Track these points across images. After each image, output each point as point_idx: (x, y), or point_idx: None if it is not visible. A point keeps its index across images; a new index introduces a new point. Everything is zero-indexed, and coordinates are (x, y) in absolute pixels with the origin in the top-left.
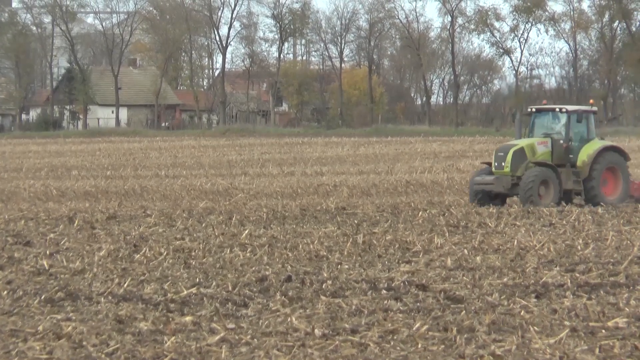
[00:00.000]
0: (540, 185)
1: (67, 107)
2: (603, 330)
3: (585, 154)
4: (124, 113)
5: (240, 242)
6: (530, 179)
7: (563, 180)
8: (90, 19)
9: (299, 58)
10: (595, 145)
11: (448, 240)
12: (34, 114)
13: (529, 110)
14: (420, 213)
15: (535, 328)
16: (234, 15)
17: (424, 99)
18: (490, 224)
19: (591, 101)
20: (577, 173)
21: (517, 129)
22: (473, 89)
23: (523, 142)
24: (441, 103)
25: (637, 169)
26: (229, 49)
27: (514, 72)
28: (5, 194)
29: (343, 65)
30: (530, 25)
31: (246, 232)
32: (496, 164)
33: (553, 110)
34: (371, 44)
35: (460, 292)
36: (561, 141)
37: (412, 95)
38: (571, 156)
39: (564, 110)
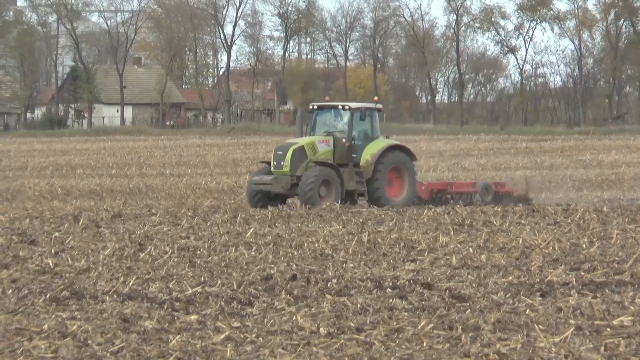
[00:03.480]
0: (321, 185)
1: (72, 105)
2: (608, 329)
3: (369, 153)
4: (128, 112)
5: (246, 240)
6: (310, 179)
7: (345, 181)
8: (95, 18)
9: (304, 56)
10: (379, 144)
11: (453, 239)
12: (39, 112)
13: (311, 107)
14: (425, 211)
15: (541, 326)
16: (239, 14)
17: (429, 97)
18: (495, 223)
19: (375, 98)
20: (360, 173)
21: (298, 126)
22: (478, 88)
23: (303, 141)
24: (446, 101)
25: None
26: (234, 47)
27: (519, 70)
28: (10, 193)
29: (348, 63)
30: (535, 23)
31: (251, 230)
32: (275, 164)
33: (335, 107)
34: (376, 43)
35: (465, 291)
36: (344, 140)
37: (417, 93)
38: (354, 155)
39: (346, 107)
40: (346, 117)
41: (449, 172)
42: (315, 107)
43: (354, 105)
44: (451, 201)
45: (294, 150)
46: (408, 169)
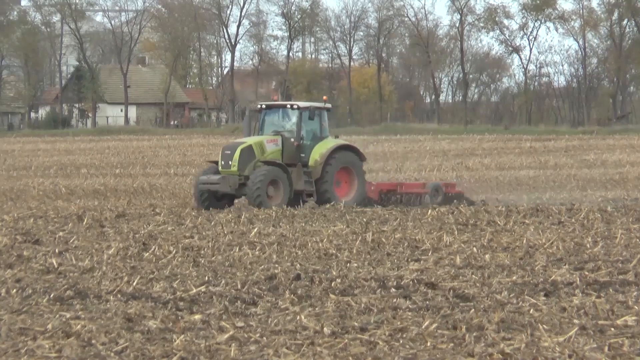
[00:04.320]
0: (269, 185)
1: (76, 105)
2: (612, 329)
3: (318, 153)
4: (132, 111)
5: (250, 240)
6: (258, 178)
7: (294, 181)
8: (99, 17)
9: (308, 56)
10: (328, 144)
11: (457, 239)
12: (43, 112)
13: (259, 106)
14: (429, 211)
15: (544, 326)
16: (243, 13)
17: (433, 97)
18: (499, 222)
19: (325, 97)
20: (309, 173)
21: (246, 126)
22: (482, 87)
23: (251, 140)
24: (450, 101)
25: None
26: (238, 47)
27: (523, 70)
28: (15, 192)
29: (352, 63)
30: (539, 23)
31: (255, 230)
32: (223, 163)
33: (284, 106)
34: (380, 42)
35: (469, 291)
36: (292, 139)
37: (421, 93)
38: (303, 155)
39: (295, 106)
40: (295, 116)
41: (452, 172)
42: (264, 106)
43: (302, 104)
44: (400, 202)
45: (241, 149)
46: (357, 169)
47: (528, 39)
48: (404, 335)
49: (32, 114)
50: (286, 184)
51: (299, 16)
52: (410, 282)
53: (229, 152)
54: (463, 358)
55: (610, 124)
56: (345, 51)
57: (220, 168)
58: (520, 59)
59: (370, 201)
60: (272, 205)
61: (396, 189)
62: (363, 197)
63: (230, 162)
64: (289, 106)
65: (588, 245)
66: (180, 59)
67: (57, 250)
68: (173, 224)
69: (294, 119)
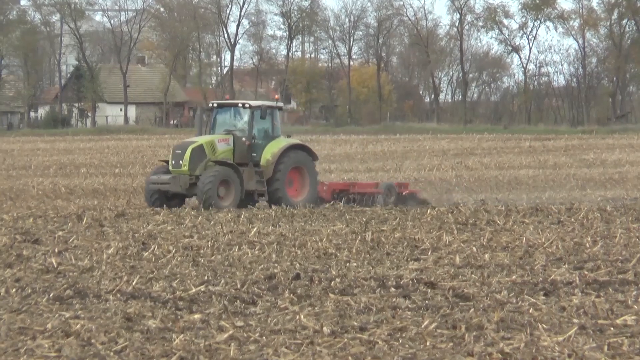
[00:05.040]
0: (220, 185)
1: (76, 104)
2: (611, 328)
3: (270, 152)
4: (132, 111)
5: (249, 239)
6: (208, 178)
7: (245, 180)
8: (98, 17)
9: (308, 55)
10: (280, 143)
11: (457, 238)
12: (42, 111)
13: (210, 105)
14: (428, 210)
15: (544, 326)
16: (242, 13)
17: (433, 96)
18: (498, 222)
19: (276, 96)
20: (260, 173)
21: (198, 125)
22: (481, 87)
23: (203, 139)
24: (450, 100)
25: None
26: (238, 46)
27: (523, 69)
28: (14, 192)
29: (351, 62)
30: (539, 22)
31: (255, 229)
32: (174, 162)
33: (235, 105)
34: (379, 42)
35: (469, 290)
36: (243, 138)
37: (421, 92)
38: (254, 155)
39: (246, 105)
40: (246, 115)
41: (452, 171)
42: (215, 105)
43: (254, 103)
44: (353, 202)
45: (192, 149)
46: (309, 168)
47: (527, 39)
48: (404, 335)
49: (32, 114)
50: (237, 184)
51: (298, 15)
52: (410, 282)
53: (180, 151)
54: (462, 357)
55: (609, 123)
56: (345, 50)
57: (170, 168)
58: (520, 58)
59: (322, 201)
60: (222, 206)
61: (349, 189)
62: (315, 197)
63: (181, 162)
64: (240, 105)
65: (587, 245)
66: (179, 59)
67: (56, 250)
68: (172, 224)
69: (246, 118)
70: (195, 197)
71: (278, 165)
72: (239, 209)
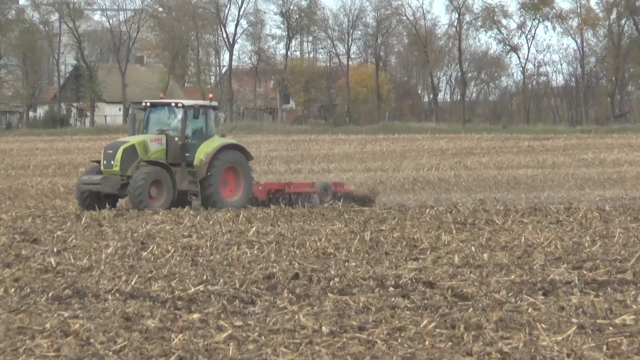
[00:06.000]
0: (152, 185)
1: (74, 104)
2: (610, 328)
3: (203, 152)
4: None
5: (248, 239)
6: (140, 178)
7: (178, 181)
8: (97, 16)
9: (306, 55)
10: (214, 143)
11: (455, 238)
12: (41, 111)
13: (143, 104)
14: (427, 210)
15: (543, 325)
16: (241, 13)
17: (431, 96)
18: (497, 221)
19: (210, 95)
20: (193, 173)
21: (131, 124)
22: (480, 86)
23: (135, 139)
24: (448, 100)
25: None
26: (236, 46)
27: (521, 69)
28: (13, 192)
29: (350, 62)
30: (537, 22)
31: (253, 229)
32: (105, 163)
33: (169, 104)
34: (378, 41)
35: (468, 290)
36: (176, 138)
37: (419, 92)
38: (187, 154)
39: (179, 105)
40: (179, 114)
41: (451, 171)
42: (148, 104)
43: (187, 102)
44: (289, 202)
45: (124, 149)
46: (243, 168)
47: (526, 38)
48: (402, 335)
49: (30, 113)
50: (169, 184)
51: (297, 15)
52: (409, 281)
53: (111, 151)
54: (461, 357)
55: (608, 123)
56: (344, 50)
57: (102, 168)
58: (519, 58)
59: (257, 201)
60: (154, 206)
61: (284, 189)
62: (250, 197)
63: (112, 162)
64: (173, 104)
65: (586, 244)
66: (178, 58)
67: (55, 250)
68: (171, 223)
69: (179, 118)
70: (127, 198)
71: (212, 166)
72: (169, 209)
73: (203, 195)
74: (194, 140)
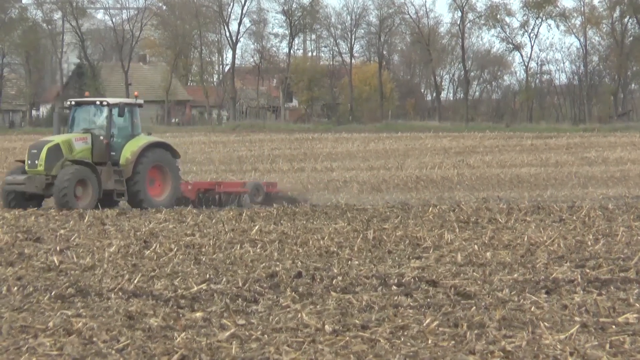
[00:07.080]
0: (77, 185)
1: None
2: (613, 326)
3: (129, 151)
4: None
5: (251, 238)
6: (65, 178)
7: (103, 180)
8: (100, 15)
9: (309, 54)
10: (140, 141)
11: (458, 236)
12: (44, 110)
13: (68, 103)
14: (430, 209)
15: (546, 324)
16: (243, 11)
17: (434, 94)
18: (500, 220)
19: (136, 93)
20: (119, 172)
21: (56, 123)
22: (483, 85)
23: (59, 138)
24: (451, 99)
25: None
26: (239, 44)
27: (524, 67)
28: None
29: (353, 61)
30: (540, 20)
31: (256, 228)
32: (30, 162)
33: (94, 103)
34: (381, 40)
35: (471, 288)
36: (102, 137)
37: (422, 90)
38: (113, 153)
39: (104, 103)
40: (104, 113)
41: (454, 169)
42: (73, 102)
43: (112, 100)
44: (219, 201)
45: (48, 148)
46: (170, 167)
47: (529, 37)
48: (405, 333)
49: (34, 112)
50: (95, 183)
51: (299, 13)
52: (412, 280)
53: (36, 151)
54: (464, 356)
55: (611, 121)
56: (346, 49)
57: (26, 167)
58: (522, 56)
59: (187, 201)
60: (79, 206)
61: (214, 188)
62: (178, 196)
63: (36, 162)
64: (98, 103)
65: (589, 243)
66: (181, 57)
67: (58, 248)
68: (174, 222)
69: (104, 116)
70: (52, 197)
71: (137, 164)
72: (95, 209)
73: (129, 195)
74: (119, 139)
